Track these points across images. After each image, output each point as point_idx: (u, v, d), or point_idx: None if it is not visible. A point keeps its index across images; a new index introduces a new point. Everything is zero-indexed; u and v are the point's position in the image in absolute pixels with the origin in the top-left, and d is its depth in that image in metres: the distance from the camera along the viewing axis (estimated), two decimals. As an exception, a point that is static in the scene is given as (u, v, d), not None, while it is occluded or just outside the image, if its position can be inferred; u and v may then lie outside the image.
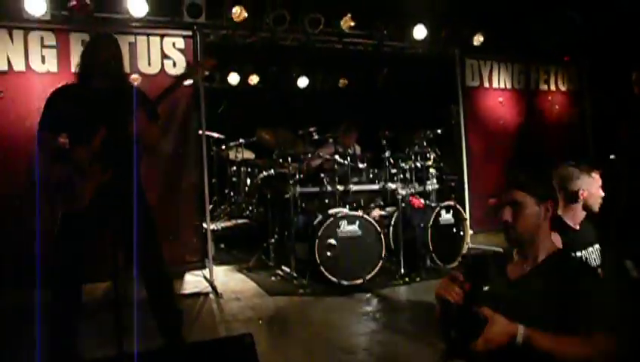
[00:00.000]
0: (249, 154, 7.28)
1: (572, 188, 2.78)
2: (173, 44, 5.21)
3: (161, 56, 5.16)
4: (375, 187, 5.84)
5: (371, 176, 5.86)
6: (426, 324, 3.73)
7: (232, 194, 7.25)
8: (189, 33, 5.26)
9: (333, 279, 4.92)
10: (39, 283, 3.34)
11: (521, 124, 7.15)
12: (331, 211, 5.20)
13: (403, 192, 5.73)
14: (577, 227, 2.80)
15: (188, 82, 3.50)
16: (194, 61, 5.02)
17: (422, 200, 5.89)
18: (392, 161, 5.83)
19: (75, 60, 4.60)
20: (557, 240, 2.62)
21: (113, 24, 4.99)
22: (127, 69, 4.61)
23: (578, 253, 2.70)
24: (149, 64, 5.11)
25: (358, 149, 6.60)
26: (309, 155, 6.02)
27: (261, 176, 6.36)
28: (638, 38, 6.09)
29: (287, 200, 5.34)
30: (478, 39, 6.54)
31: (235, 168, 7.19)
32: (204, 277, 5.18)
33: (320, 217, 5.23)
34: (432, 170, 6.01)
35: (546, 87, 7.44)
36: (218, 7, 5.35)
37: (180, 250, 5.16)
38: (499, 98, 7.06)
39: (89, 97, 3.13)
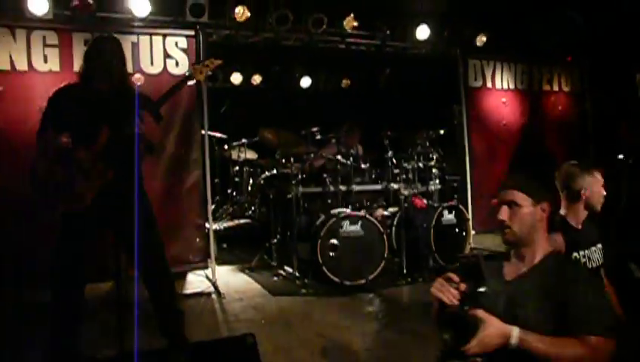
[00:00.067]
0: (251, 154, 7.28)
1: (574, 188, 2.78)
2: (176, 44, 5.21)
3: (163, 55, 5.16)
4: (378, 187, 5.84)
5: (374, 176, 5.85)
6: (429, 325, 3.71)
7: (234, 194, 7.24)
8: (192, 33, 5.26)
9: (336, 279, 4.91)
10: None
11: (523, 125, 7.13)
12: (334, 211, 5.20)
13: (405, 192, 5.72)
14: (580, 226, 2.80)
15: (191, 82, 3.50)
16: (197, 61, 5.02)
17: (424, 201, 5.88)
18: (394, 161, 5.83)
19: (77, 60, 4.64)
20: (560, 240, 2.63)
21: (115, 24, 4.99)
22: (129, 70, 4.62)
23: (581, 252, 2.69)
24: (152, 64, 5.11)
25: (360, 149, 6.59)
26: (312, 155, 6.01)
27: (263, 176, 6.36)
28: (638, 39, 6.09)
29: (290, 200, 5.34)
30: (480, 40, 6.53)
31: (237, 168, 7.19)
32: (207, 277, 5.18)
33: (322, 217, 5.23)
34: (434, 171, 6.00)
35: (548, 87, 7.43)
36: (221, 7, 5.35)
37: (182, 249, 5.15)
38: (502, 98, 7.04)
39: (91, 98, 3.14)
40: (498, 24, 6.56)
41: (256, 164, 7.00)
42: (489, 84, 6.98)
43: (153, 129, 3.13)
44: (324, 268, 4.90)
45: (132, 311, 2.91)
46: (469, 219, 5.97)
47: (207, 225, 5.32)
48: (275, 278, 5.34)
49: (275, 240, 5.85)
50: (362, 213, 5.18)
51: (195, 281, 5.16)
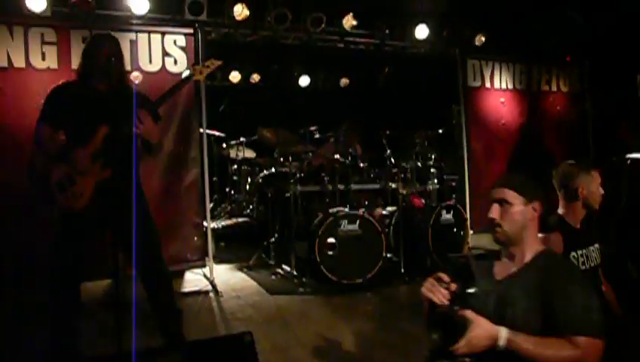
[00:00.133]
0: (250, 153, 7.28)
1: (572, 187, 2.78)
2: (175, 42, 5.20)
3: (162, 53, 5.14)
4: (376, 186, 5.84)
5: (372, 175, 5.85)
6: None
7: (232, 192, 7.24)
8: (191, 31, 5.25)
9: (334, 278, 4.91)
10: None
11: (522, 125, 7.13)
12: (332, 210, 5.20)
13: (404, 192, 5.72)
14: (578, 226, 2.81)
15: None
16: (196, 61, 5.02)
17: (422, 200, 5.89)
18: (393, 160, 5.82)
19: (75, 57, 4.61)
20: (558, 239, 2.63)
21: (114, 21, 4.97)
22: (127, 68, 4.60)
23: (579, 252, 2.70)
24: (150, 62, 5.10)
25: (359, 149, 6.59)
26: (310, 154, 6.01)
27: (262, 174, 6.36)
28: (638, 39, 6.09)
29: (288, 199, 5.33)
30: (479, 39, 6.53)
31: (235, 167, 7.19)
32: (205, 276, 5.17)
33: (320, 216, 5.22)
34: (432, 170, 6.01)
35: (547, 87, 7.43)
36: (220, 5, 5.34)
37: (180, 248, 5.14)
38: (500, 98, 7.04)
39: (89, 96, 3.13)
40: (497, 24, 6.56)
41: (254, 163, 6.99)
42: (488, 84, 6.98)
43: (152, 128, 3.12)
44: (321, 267, 4.90)
45: (130, 310, 2.91)
46: (467, 219, 5.97)
47: (205, 223, 5.32)
48: (273, 277, 5.34)
49: (273, 239, 5.85)
50: (360, 212, 5.18)
51: (193, 280, 5.15)
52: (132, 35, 5.02)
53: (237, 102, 7.59)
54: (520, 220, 2.02)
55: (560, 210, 2.84)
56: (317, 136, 5.96)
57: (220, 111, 7.26)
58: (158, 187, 5.00)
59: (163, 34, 5.16)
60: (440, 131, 6.04)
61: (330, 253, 4.94)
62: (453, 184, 6.72)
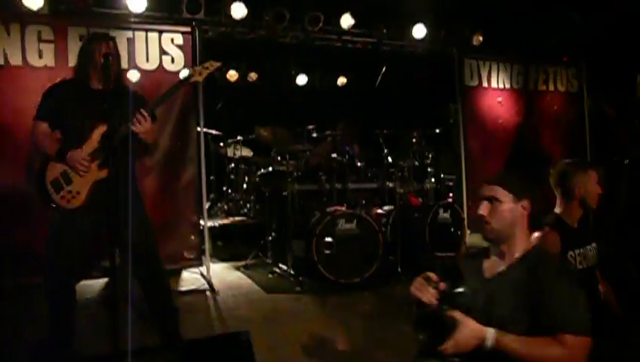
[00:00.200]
0: (247, 152, 7.27)
1: (569, 186, 2.79)
2: (172, 40, 5.19)
3: (159, 52, 5.14)
4: (373, 185, 5.84)
5: (369, 174, 5.85)
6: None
7: (229, 191, 7.23)
8: (188, 29, 5.24)
9: (331, 277, 4.91)
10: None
11: (519, 124, 7.15)
12: (329, 209, 5.19)
13: (401, 191, 5.73)
14: (575, 225, 2.80)
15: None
16: (193, 62, 5.02)
17: (420, 199, 5.89)
18: (390, 159, 5.82)
19: (72, 55, 4.60)
20: (555, 238, 2.63)
21: (111, 19, 4.97)
22: (125, 66, 4.60)
23: (576, 251, 2.70)
24: (147, 60, 5.09)
25: (356, 148, 6.59)
26: (308, 153, 6.01)
27: (259, 173, 6.36)
28: (637, 39, 6.10)
29: (285, 197, 5.33)
30: (477, 39, 6.54)
31: (233, 165, 7.18)
32: (201, 274, 5.17)
33: (318, 215, 5.22)
34: (430, 169, 6.01)
35: (544, 87, 7.44)
36: (217, 4, 5.33)
37: (177, 246, 5.14)
38: (498, 98, 7.06)
39: (86, 95, 3.13)
40: (494, 24, 6.57)
41: (251, 162, 6.99)
42: (485, 84, 6.99)
43: (148, 129, 3.12)
44: (319, 266, 4.89)
45: (126, 308, 2.91)
46: (464, 218, 5.98)
47: (202, 222, 5.31)
48: (270, 276, 5.34)
49: (270, 238, 5.85)
50: (358, 211, 5.18)
51: (190, 278, 5.14)
52: (129, 33, 5.01)
53: (234, 101, 7.58)
54: (509, 218, 2.02)
55: (557, 209, 2.84)
56: (314, 135, 5.95)
57: (217, 110, 7.25)
58: (155, 186, 5.00)
59: (160, 32, 5.15)
60: (437, 130, 6.05)
61: (328, 252, 4.94)
62: (451, 183, 6.72)
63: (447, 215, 5.72)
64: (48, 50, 4.72)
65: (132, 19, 5.03)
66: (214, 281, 4.97)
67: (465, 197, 6.65)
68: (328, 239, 4.95)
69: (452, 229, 5.75)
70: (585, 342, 1.81)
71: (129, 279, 3.05)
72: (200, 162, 5.23)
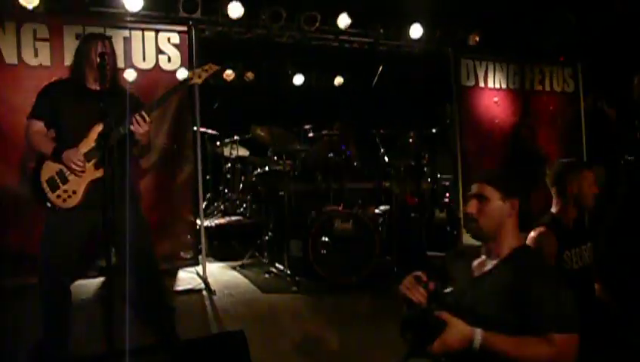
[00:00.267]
0: (243, 151, 7.26)
1: (564, 186, 2.80)
2: (169, 40, 5.18)
3: (155, 51, 5.12)
4: (370, 185, 5.84)
5: (366, 174, 5.85)
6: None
7: (226, 191, 7.22)
8: (185, 29, 5.23)
9: (327, 277, 4.91)
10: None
11: (516, 124, 7.16)
12: (325, 209, 5.19)
13: (397, 191, 5.73)
14: (571, 225, 2.81)
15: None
16: (190, 65, 5.02)
17: (416, 199, 5.90)
18: (386, 159, 5.82)
19: (68, 54, 4.58)
20: (550, 238, 2.64)
21: (108, 18, 4.95)
22: (120, 66, 4.57)
23: (572, 251, 2.71)
24: (144, 59, 5.07)
25: (353, 147, 6.59)
26: (304, 153, 6.01)
27: (255, 173, 6.35)
28: (635, 40, 6.11)
29: (282, 197, 5.33)
30: (473, 39, 6.54)
31: (229, 165, 7.17)
32: (198, 274, 5.16)
33: (314, 215, 5.22)
34: (426, 169, 6.02)
35: (541, 87, 7.45)
36: (214, 3, 5.32)
37: (173, 246, 5.13)
38: (494, 98, 7.07)
39: (82, 95, 3.12)
40: (491, 24, 6.58)
41: (248, 161, 6.98)
42: (481, 84, 6.99)
43: (147, 131, 3.11)
44: (315, 266, 4.89)
45: (122, 308, 2.90)
46: (460, 218, 5.98)
47: (198, 221, 5.30)
48: (266, 275, 5.33)
49: (267, 238, 5.84)
50: (354, 211, 5.18)
51: (186, 278, 5.13)
52: (126, 33, 5.00)
53: (231, 101, 7.56)
54: (496, 216, 2.02)
55: (553, 209, 2.85)
56: (311, 134, 5.95)
57: (213, 109, 7.24)
58: (151, 185, 4.99)
59: (157, 31, 5.14)
60: (434, 130, 6.06)
61: (324, 251, 4.94)
62: (447, 183, 6.73)
63: (443, 215, 5.74)
64: (44, 48, 4.70)
65: (128, 18, 5.01)
66: (210, 281, 4.96)
67: (461, 197, 6.64)
68: (325, 239, 4.95)
69: (448, 229, 5.76)
70: (573, 339, 1.81)
71: (126, 279, 3.04)
72: (196, 162, 5.21)
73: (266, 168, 6.14)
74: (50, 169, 3.02)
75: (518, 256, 2.02)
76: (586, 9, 6.49)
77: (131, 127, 3.00)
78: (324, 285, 4.90)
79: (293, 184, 5.42)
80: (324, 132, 5.97)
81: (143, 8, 4.90)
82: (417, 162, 5.91)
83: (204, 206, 5.68)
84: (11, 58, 4.61)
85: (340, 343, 3.74)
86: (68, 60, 4.17)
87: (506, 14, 6.51)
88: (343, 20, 5.78)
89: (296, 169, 5.66)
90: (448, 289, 1.95)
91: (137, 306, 3.13)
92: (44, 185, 3.01)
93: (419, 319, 1.87)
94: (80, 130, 3.04)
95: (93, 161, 3.04)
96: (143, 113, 3.01)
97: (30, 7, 4.51)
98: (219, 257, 6.07)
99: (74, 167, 2.99)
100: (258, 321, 4.15)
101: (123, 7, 4.84)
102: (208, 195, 7.15)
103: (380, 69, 7.26)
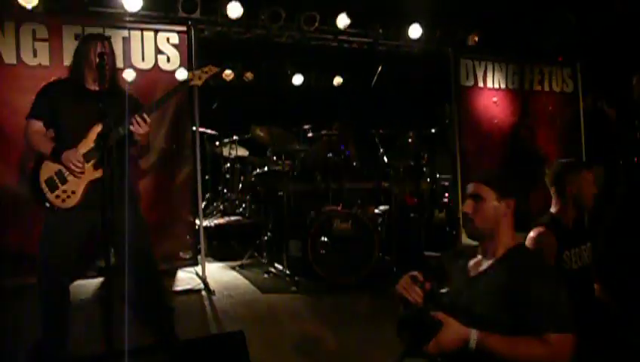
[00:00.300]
0: (243, 151, 7.26)
1: (564, 186, 2.80)
2: (168, 40, 5.18)
3: (155, 51, 5.12)
4: (369, 185, 5.83)
5: (365, 174, 5.84)
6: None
7: (225, 191, 7.22)
8: (184, 29, 5.23)
9: (326, 277, 4.91)
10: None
11: (515, 124, 7.16)
12: (324, 209, 5.19)
13: (397, 191, 5.73)
14: (570, 225, 2.81)
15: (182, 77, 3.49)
16: (189, 66, 5.01)
17: (415, 199, 5.90)
18: (386, 159, 5.82)
19: (67, 54, 4.58)
20: (550, 238, 2.64)
21: (107, 18, 4.95)
22: (120, 66, 4.57)
23: (572, 251, 2.71)
24: (143, 59, 5.07)
25: (352, 147, 6.59)
26: (303, 153, 6.01)
27: (255, 173, 6.35)
28: (635, 40, 6.11)
29: (281, 197, 5.33)
30: (472, 39, 6.55)
31: (228, 165, 7.17)
32: (197, 274, 5.16)
33: (313, 215, 5.22)
34: (425, 169, 6.02)
35: (540, 87, 7.46)
36: (213, 3, 5.32)
37: (172, 246, 5.13)
38: (493, 98, 7.07)
39: (81, 96, 3.11)
40: (490, 24, 6.58)
41: (247, 161, 6.98)
42: (481, 84, 7.00)
43: (147, 132, 3.11)
44: (314, 266, 4.89)
45: (121, 308, 2.89)
46: (459, 218, 5.98)
47: (197, 221, 5.30)
48: (266, 276, 5.33)
49: (266, 238, 5.84)
50: (353, 211, 5.18)
51: (186, 278, 5.13)
52: (125, 33, 4.99)
53: (230, 101, 7.56)
54: (492, 216, 2.03)
55: (552, 209, 2.85)
56: (310, 134, 5.95)
57: (212, 110, 7.24)
58: (150, 185, 4.99)
59: (156, 31, 5.14)
60: (433, 130, 6.06)
61: (323, 251, 4.94)
62: (446, 183, 6.73)
63: (442, 215, 5.74)
64: (43, 48, 4.70)
65: (127, 18, 5.00)
66: (210, 281, 4.96)
67: (460, 197, 6.65)
68: (324, 239, 4.95)
69: (447, 229, 5.76)
70: (568, 339, 1.81)
71: (125, 279, 3.04)
72: (195, 162, 5.21)
73: (265, 168, 6.14)
74: (49, 169, 3.02)
75: (514, 255, 2.02)
76: (585, 9, 6.49)
77: (131, 128, 3.00)
78: (324, 285, 4.90)
79: (293, 184, 5.42)
80: (324, 132, 5.97)
81: (142, 8, 4.90)
82: (416, 162, 5.91)
83: (203, 206, 5.68)
84: (10, 58, 4.61)
85: (339, 343, 3.74)
86: (67, 60, 4.16)
87: (506, 14, 6.51)
88: (342, 20, 5.78)
89: (296, 169, 5.66)
90: (444, 289, 1.95)
91: (136, 306, 3.13)
92: (43, 185, 3.01)
93: (415, 319, 1.87)
94: (79, 130, 3.04)
95: (92, 162, 3.03)
96: (144, 114, 3.01)
97: (29, 7, 4.51)
98: (218, 257, 6.07)
99: (73, 167, 2.98)
100: (257, 321, 4.14)
101: (122, 7, 4.83)
102: (207, 195, 7.15)
103: (380, 69, 7.26)
